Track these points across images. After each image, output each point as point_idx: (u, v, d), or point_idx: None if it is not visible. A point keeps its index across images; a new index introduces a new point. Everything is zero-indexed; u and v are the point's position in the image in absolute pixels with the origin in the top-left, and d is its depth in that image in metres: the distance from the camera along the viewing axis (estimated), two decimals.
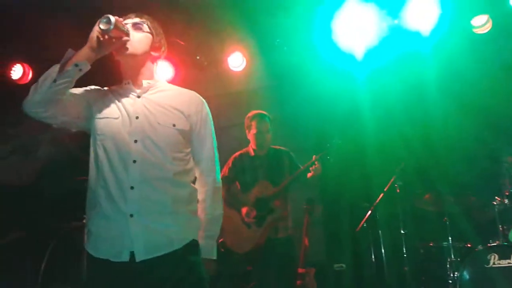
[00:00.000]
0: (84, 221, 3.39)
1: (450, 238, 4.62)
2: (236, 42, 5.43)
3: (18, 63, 5.28)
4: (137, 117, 2.24)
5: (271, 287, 4.35)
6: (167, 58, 5.57)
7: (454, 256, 4.58)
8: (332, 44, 4.89)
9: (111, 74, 2.62)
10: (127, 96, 2.32)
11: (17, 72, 5.29)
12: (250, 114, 4.59)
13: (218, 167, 2.44)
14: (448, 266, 4.57)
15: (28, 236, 4.46)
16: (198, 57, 5.59)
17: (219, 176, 2.45)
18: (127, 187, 2.14)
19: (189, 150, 2.36)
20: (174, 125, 2.27)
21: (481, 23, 4.92)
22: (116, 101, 2.31)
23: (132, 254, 2.11)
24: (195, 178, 2.41)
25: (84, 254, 3.17)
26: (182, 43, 5.33)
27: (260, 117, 4.53)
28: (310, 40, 5.16)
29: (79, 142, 3.29)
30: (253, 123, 4.51)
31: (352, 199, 5.49)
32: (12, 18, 4.56)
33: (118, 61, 2.37)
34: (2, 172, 5.01)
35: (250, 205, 4.39)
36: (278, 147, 4.62)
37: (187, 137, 2.33)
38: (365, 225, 4.86)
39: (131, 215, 2.12)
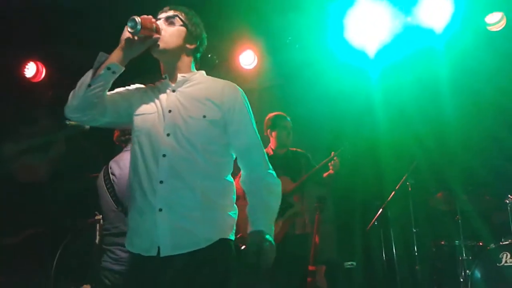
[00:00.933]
0: (96, 217, 3.43)
1: (462, 236, 4.60)
2: (248, 40, 5.44)
3: (32, 62, 5.33)
4: (170, 111, 2.23)
5: (283, 284, 4.37)
6: None
7: (466, 254, 4.55)
8: (345, 42, 4.87)
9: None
10: (164, 91, 2.31)
11: (30, 70, 5.34)
12: (271, 115, 4.67)
13: (260, 157, 2.32)
14: (459, 264, 4.54)
15: (43, 233, 4.51)
16: (209, 55, 5.60)
17: (263, 167, 2.31)
18: (157, 181, 2.13)
19: (224, 141, 2.26)
20: (204, 116, 2.21)
21: (496, 20, 4.88)
22: (154, 97, 2.31)
23: (159, 249, 2.10)
24: (237, 171, 2.34)
25: (96, 250, 3.23)
26: None
27: (281, 117, 4.61)
28: (322, 38, 5.15)
29: (93, 140, 3.32)
30: (275, 123, 4.58)
31: (364, 197, 5.48)
32: (25, 17, 4.61)
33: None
34: (17, 170, 5.07)
35: None
36: (296, 149, 4.68)
37: (221, 127, 2.25)
38: (376, 223, 4.85)
39: (160, 210, 2.10)
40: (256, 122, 2.40)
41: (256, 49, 5.49)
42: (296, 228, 4.42)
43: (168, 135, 2.18)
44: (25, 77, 5.31)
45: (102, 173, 3.35)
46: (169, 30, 2.31)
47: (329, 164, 4.44)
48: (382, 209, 4.85)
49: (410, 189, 4.85)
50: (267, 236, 2.12)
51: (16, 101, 5.26)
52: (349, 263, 5.38)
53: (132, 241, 2.20)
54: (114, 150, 3.58)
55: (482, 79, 4.97)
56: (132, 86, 2.40)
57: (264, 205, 2.23)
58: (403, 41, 4.91)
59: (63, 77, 5.41)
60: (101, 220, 3.32)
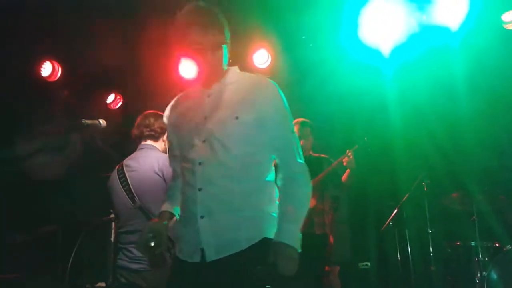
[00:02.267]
0: (111, 216, 3.45)
1: (478, 237, 4.55)
2: (261, 39, 5.43)
3: (48, 61, 5.38)
4: (205, 117, 2.23)
5: (297, 281, 4.36)
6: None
7: (482, 255, 4.50)
8: (359, 41, 4.85)
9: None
10: (198, 98, 2.32)
11: (46, 69, 5.39)
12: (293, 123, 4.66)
13: (297, 155, 2.27)
14: (475, 265, 4.50)
15: (58, 230, 4.55)
16: None
17: (299, 166, 2.27)
18: (196, 189, 2.15)
19: (261, 141, 2.21)
20: (237, 118, 2.16)
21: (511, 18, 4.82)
22: (188, 106, 2.34)
23: (203, 255, 2.12)
24: (273, 170, 2.30)
25: (111, 248, 3.25)
26: None
27: (301, 123, 4.62)
28: (336, 36, 5.13)
29: (108, 140, 3.34)
30: (295, 129, 4.57)
31: (378, 197, 5.45)
32: (41, 17, 4.65)
33: None
34: (33, 169, 5.12)
35: None
36: (319, 154, 4.68)
37: (256, 127, 2.18)
38: (391, 223, 4.82)
39: (202, 217, 2.13)
40: None
41: (270, 48, 5.48)
42: (315, 227, 4.40)
43: (203, 142, 2.18)
44: (41, 76, 5.36)
45: (115, 171, 3.37)
46: (211, 55, 2.28)
47: (343, 160, 4.43)
48: (397, 209, 4.82)
49: (425, 189, 4.81)
50: (292, 253, 2.11)
51: (32, 100, 5.31)
52: (364, 263, 5.36)
53: (181, 248, 2.24)
54: (127, 149, 3.61)
55: (498, 77, 4.91)
56: (167, 119, 2.44)
57: (294, 211, 2.19)
58: (418, 39, 4.87)
59: (79, 77, 5.46)
60: (115, 219, 3.34)
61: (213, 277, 2.11)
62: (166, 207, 2.38)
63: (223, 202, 2.13)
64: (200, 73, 2.30)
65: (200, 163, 2.15)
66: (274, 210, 2.22)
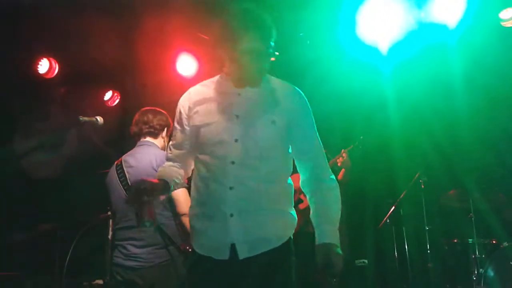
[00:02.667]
0: (109, 213, 3.45)
1: (475, 234, 4.56)
2: None
3: (45, 58, 5.36)
4: (237, 116, 2.24)
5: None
6: (191, 52, 5.60)
7: (479, 252, 4.52)
8: (356, 38, 4.84)
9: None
10: (228, 94, 2.31)
11: (43, 66, 5.37)
12: None
13: (322, 161, 2.37)
14: (472, 262, 4.51)
15: (55, 228, 4.54)
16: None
17: (325, 170, 2.36)
18: (227, 187, 2.17)
19: (285, 146, 2.31)
20: (273, 122, 2.23)
21: (510, 16, 4.82)
22: (216, 102, 2.30)
23: (232, 253, 2.15)
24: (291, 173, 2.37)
25: (108, 246, 3.24)
26: (206, 37, 5.34)
27: None
28: (333, 34, 5.12)
29: (105, 137, 3.34)
30: None
31: (376, 195, 5.45)
32: (39, 13, 4.63)
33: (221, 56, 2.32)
34: (30, 166, 5.11)
35: None
36: None
37: (285, 132, 2.27)
38: (388, 221, 4.83)
39: (231, 215, 2.16)
40: None
41: None
42: (310, 226, 4.40)
43: (236, 140, 2.20)
44: (38, 73, 5.34)
45: (114, 167, 3.36)
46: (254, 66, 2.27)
47: (338, 160, 4.41)
48: (395, 206, 4.82)
49: (422, 186, 4.82)
50: (336, 249, 2.19)
51: (29, 97, 5.30)
52: (361, 261, 5.36)
53: (201, 243, 2.24)
54: (124, 146, 3.60)
55: (495, 75, 4.92)
56: (184, 109, 2.36)
57: (327, 213, 2.30)
58: (415, 37, 4.86)
59: (76, 74, 5.44)
60: (113, 216, 3.34)
61: (246, 274, 2.15)
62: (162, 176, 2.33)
63: (253, 202, 2.18)
64: (241, 74, 2.29)
65: (232, 162, 2.18)
66: (293, 210, 2.34)
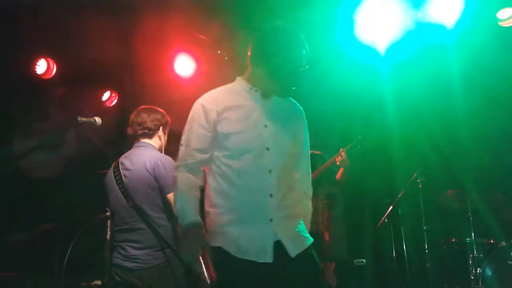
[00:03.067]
0: (107, 214, 3.45)
1: (473, 234, 4.57)
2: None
3: (43, 58, 5.36)
4: (266, 126, 2.37)
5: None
6: (189, 53, 5.60)
7: (476, 252, 4.53)
8: (354, 39, 4.85)
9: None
10: (256, 104, 2.42)
11: (41, 67, 5.37)
12: None
13: (310, 180, 2.58)
14: (470, 262, 4.52)
15: (54, 229, 4.54)
16: (219, 52, 5.60)
17: (310, 186, 2.57)
18: (267, 195, 2.30)
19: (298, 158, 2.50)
20: (295, 135, 2.46)
21: (507, 16, 4.83)
22: (246, 110, 2.40)
23: (276, 254, 2.26)
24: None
25: (106, 247, 3.24)
26: (203, 37, 5.35)
27: None
28: (331, 34, 5.13)
29: (103, 137, 3.34)
30: None
31: (374, 194, 5.46)
32: (36, 14, 4.63)
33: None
34: (28, 167, 5.11)
35: None
36: (313, 151, 4.67)
37: (300, 146, 2.51)
38: (386, 220, 4.83)
39: (271, 220, 2.29)
40: None
41: None
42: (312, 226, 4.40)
43: (267, 149, 2.34)
44: (36, 74, 5.34)
45: (111, 169, 3.36)
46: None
47: (336, 159, 4.43)
48: (393, 206, 4.83)
49: (420, 186, 4.83)
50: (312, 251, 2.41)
51: (27, 97, 5.29)
52: (359, 260, 5.37)
53: (240, 248, 2.28)
54: (123, 147, 3.60)
55: (493, 75, 4.93)
56: (211, 113, 2.38)
57: (306, 224, 2.49)
58: (413, 37, 4.87)
59: (74, 74, 5.44)
60: (111, 217, 3.34)
61: (294, 273, 2.29)
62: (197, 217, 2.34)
63: (287, 207, 2.35)
64: (273, 86, 2.44)
65: (270, 171, 2.31)
66: None
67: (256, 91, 2.43)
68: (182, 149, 2.41)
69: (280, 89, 2.47)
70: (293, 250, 2.29)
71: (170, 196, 3.07)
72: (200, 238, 2.26)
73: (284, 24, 2.50)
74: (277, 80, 2.42)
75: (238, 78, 2.53)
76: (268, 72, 2.40)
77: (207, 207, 2.39)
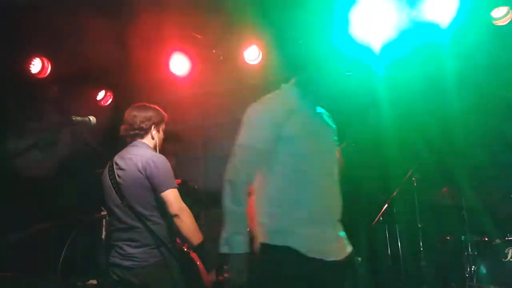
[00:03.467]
0: (102, 213, 3.45)
1: (467, 231, 4.59)
2: (252, 35, 5.42)
3: (37, 57, 5.34)
4: (324, 129, 2.62)
5: None
6: (184, 52, 5.60)
7: (471, 250, 4.55)
8: (349, 37, 4.85)
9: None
10: (310, 110, 2.60)
11: (36, 66, 5.35)
12: None
13: None
14: (465, 260, 4.54)
15: (50, 228, 4.54)
16: (214, 51, 5.60)
17: None
18: (336, 197, 2.53)
19: None
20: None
21: (502, 14, 4.85)
22: (306, 116, 2.53)
23: (339, 254, 2.44)
24: None
25: (102, 245, 3.25)
26: (199, 36, 5.35)
27: None
28: (327, 33, 5.12)
29: (98, 136, 3.33)
30: None
31: (369, 192, 5.47)
32: (31, 13, 4.62)
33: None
34: (23, 166, 5.09)
35: None
36: None
37: None
38: (381, 218, 4.85)
39: (338, 220, 2.53)
40: None
41: (261, 44, 5.48)
42: None
43: (327, 154, 2.56)
44: (31, 73, 5.33)
45: (107, 168, 3.36)
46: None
47: None
48: (387, 204, 4.84)
49: (415, 184, 4.84)
50: None
51: (22, 97, 5.28)
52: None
53: (311, 247, 2.36)
54: (118, 146, 3.60)
55: (488, 73, 4.94)
56: (277, 119, 2.43)
57: None
58: (408, 36, 4.88)
59: (68, 73, 5.43)
60: (107, 216, 3.34)
61: (346, 273, 2.47)
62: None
63: (341, 210, 2.57)
64: (323, 93, 2.65)
65: (333, 173, 2.56)
66: None
67: (308, 97, 2.59)
68: (241, 151, 2.42)
69: (328, 97, 2.72)
70: (348, 251, 2.49)
71: (165, 194, 3.08)
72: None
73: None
74: (326, 88, 2.67)
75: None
76: (320, 80, 2.66)
77: (268, 208, 2.41)
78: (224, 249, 2.27)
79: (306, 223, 2.38)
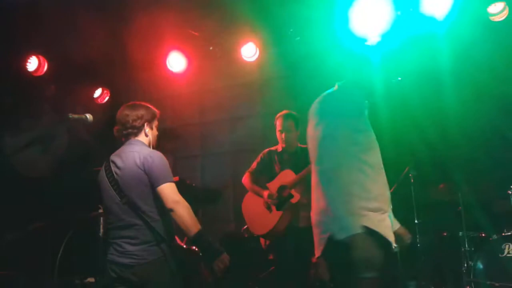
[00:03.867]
0: (100, 211, 3.44)
1: (464, 227, 4.60)
2: (249, 32, 5.42)
3: (34, 56, 5.33)
4: None
5: (287, 275, 4.41)
6: (180, 49, 5.59)
7: (468, 246, 4.56)
8: (348, 32, 4.85)
9: None
10: None
11: (32, 64, 5.35)
12: (277, 116, 4.65)
13: None
14: (462, 256, 4.55)
15: (47, 226, 4.53)
16: (211, 48, 5.59)
17: None
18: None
19: None
20: None
21: (498, 10, 4.86)
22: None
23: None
24: None
25: (99, 243, 3.25)
26: (196, 34, 5.34)
27: (284, 116, 4.59)
28: (324, 30, 5.13)
29: (95, 134, 3.33)
30: (277, 122, 4.59)
31: None
32: (27, 11, 4.61)
33: None
34: (20, 164, 5.09)
35: (274, 191, 4.50)
36: (306, 146, 4.69)
37: None
38: None
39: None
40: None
41: (257, 41, 5.48)
42: (300, 221, 4.43)
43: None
44: (27, 71, 5.32)
45: (103, 167, 3.35)
46: None
47: None
48: None
49: (412, 180, 4.85)
50: None
51: (18, 95, 5.27)
52: None
53: (390, 233, 2.85)
54: (114, 144, 3.59)
55: (484, 69, 4.95)
56: None
57: None
58: (404, 31, 4.89)
59: (65, 71, 5.42)
60: (104, 214, 3.33)
61: None
62: None
63: None
64: None
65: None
66: None
67: None
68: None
69: None
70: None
71: (161, 188, 3.08)
72: None
73: None
74: None
75: None
76: None
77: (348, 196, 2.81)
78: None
79: (385, 216, 2.90)
